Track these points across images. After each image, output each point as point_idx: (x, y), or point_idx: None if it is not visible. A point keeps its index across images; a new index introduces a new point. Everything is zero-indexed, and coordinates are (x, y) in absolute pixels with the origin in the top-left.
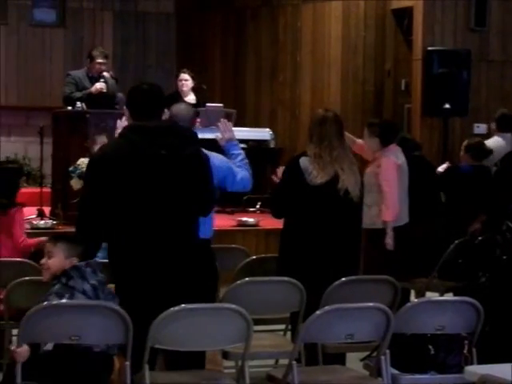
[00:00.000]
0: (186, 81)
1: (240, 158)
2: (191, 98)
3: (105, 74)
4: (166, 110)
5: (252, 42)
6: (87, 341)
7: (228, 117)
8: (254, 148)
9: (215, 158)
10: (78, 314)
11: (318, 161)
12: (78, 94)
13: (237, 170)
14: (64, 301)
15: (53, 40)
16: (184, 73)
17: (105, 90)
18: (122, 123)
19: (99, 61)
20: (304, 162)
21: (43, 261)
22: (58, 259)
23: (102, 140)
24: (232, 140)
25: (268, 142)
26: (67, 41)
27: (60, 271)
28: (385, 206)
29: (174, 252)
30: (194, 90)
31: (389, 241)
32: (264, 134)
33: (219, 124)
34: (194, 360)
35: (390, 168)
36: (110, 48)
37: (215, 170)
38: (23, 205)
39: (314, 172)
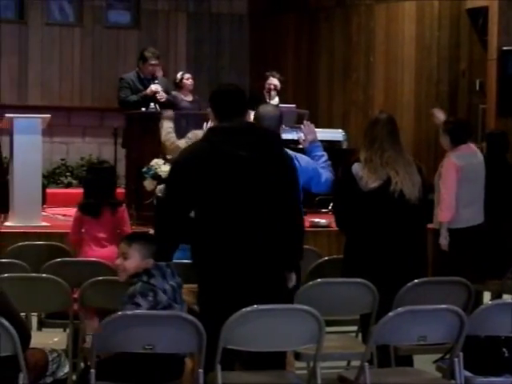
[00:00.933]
0: (274, 84)
1: (323, 159)
2: (275, 100)
3: (158, 74)
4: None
5: (325, 43)
6: (161, 350)
7: (300, 117)
8: (326, 149)
9: (301, 159)
10: (151, 324)
11: (368, 165)
12: (134, 98)
13: (321, 172)
14: (138, 311)
15: (127, 41)
16: (274, 76)
17: (160, 91)
18: (208, 125)
19: (152, 62)
20: (356, 168)
21: (118, 261)
22: (134, 260)
23: (168, 114)
24: (315, 142)
25: (341, 142)
26: (141, 42)
27: (136, 271)
28: (439, 206)
29: (258, 252)
30: (278, 92)
31: (443, 241)
32: (337, 134)
33: (302, 126)
34: (273, 361)
35: (449, 169)
36: (183, 49)
37: (301, 171)
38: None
39: (365, 177)
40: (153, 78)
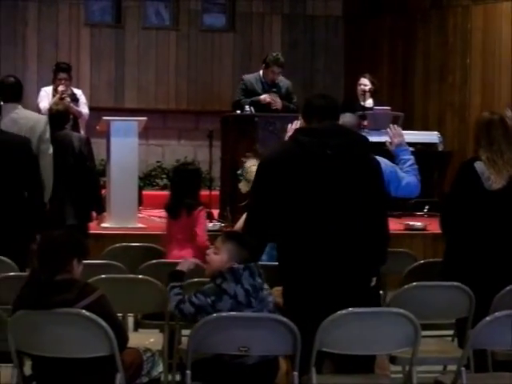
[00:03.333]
0: (366, 85)
1: (409, 163)
2: (369, 102)
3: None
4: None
5: (421, 44)
6: (256, 352)
7: (395, 120)
8: (421, 151)
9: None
10: (246, 326)
11: (493, 165)
12: (247, 102)
13: (402, 175)
14: (233, 313)
15: (222, 44)
16: (364, 77)
17: (273, 101)
18: (293, 126)
19: (272, 69)
20: (480, 166)
21: (209, 251)
22: (220, 258)
23: None
24: (402, 145)
25: (436, 145)
26: (236, 45)
27: (219, 269)
28: None
29: (343, 253)
30: (372, 94)
31: None
32: (432, 137)
33: (388, 130)
34: (362, 364)
35: None
36: (278, 51)
37: None
38: (205, 205)
39: (492, 177)
40: (272, 85)
